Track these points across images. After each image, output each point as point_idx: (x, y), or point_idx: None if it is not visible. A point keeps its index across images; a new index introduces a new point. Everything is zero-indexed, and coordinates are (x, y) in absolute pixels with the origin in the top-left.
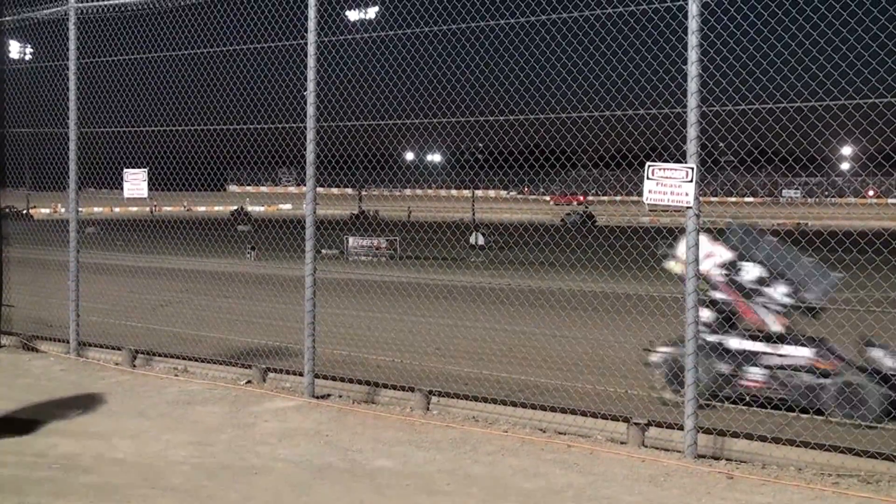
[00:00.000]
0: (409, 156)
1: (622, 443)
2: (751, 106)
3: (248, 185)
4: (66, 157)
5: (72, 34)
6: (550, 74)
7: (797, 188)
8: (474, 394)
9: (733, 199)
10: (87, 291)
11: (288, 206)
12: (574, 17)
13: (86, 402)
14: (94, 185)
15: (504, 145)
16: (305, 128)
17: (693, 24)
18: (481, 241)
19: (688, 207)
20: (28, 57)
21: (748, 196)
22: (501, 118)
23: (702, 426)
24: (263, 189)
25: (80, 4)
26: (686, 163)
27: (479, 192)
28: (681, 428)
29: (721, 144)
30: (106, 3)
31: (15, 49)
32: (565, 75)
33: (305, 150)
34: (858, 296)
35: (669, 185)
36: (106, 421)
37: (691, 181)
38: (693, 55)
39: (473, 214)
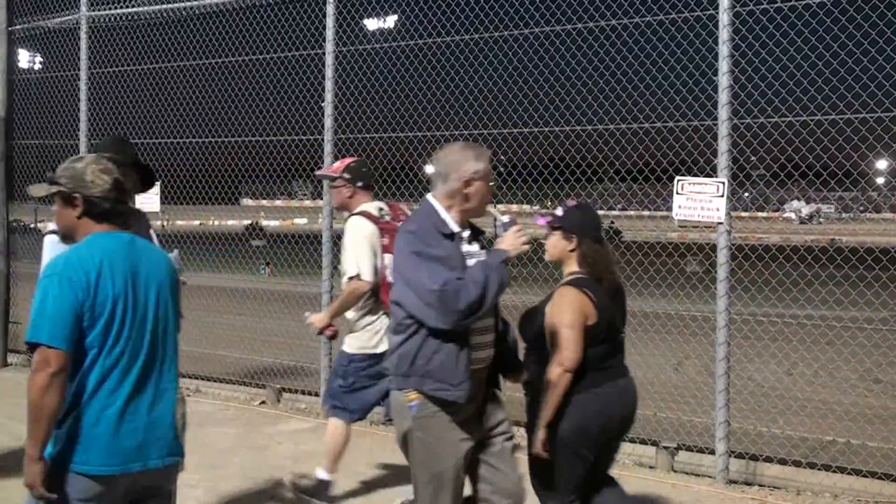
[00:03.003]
0: (429, 169)
1: (651, 467)
2: (784, 118)
3: (263, 198)
4: None
5: (83, 43)
6: (576, 85)
7: (831, 203)
8: None
9: (764, 215)
10: None
11: (303, 221)
12: (601, 26)
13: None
14: None
15: (528, 158)
16: (322, 140)
17: (724, 33)
18: None
19: (719, 223)
20: (38, 66)
21: (780, 211)
22: (525, 130)
23: (733, 450)
24: (278, 202)
25: (92, 13)
26: (717, 177)
27: (500, 207)
28: (712, 452)
29: (753, 158)
30: (118, 11)
31: (24, 58)
32: (591, 86)
33: (322, 162)
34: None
35: (700, 201)
36: None
37: (722, 196)
38: (724, 66)
39: (495, 229)
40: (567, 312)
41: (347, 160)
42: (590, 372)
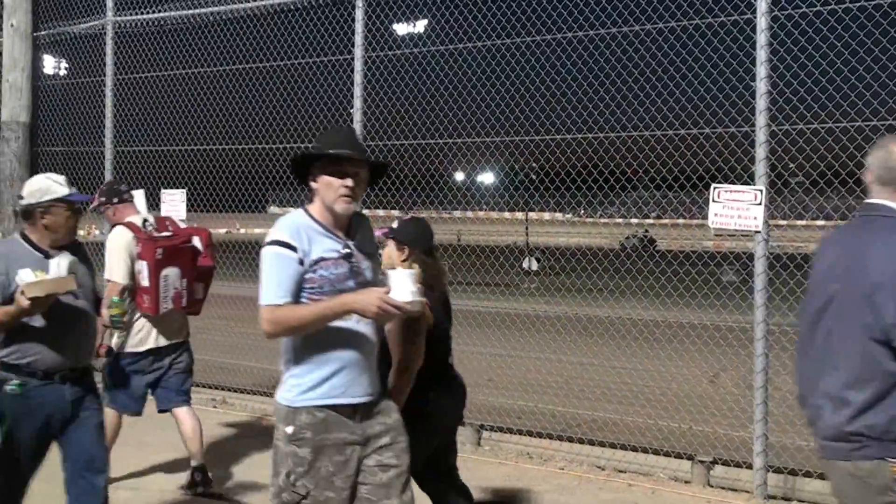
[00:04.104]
0: (460, 176)
1: (686, 482)
2: (823, 124)
3: (290, 206)
4: (102, 177)
5: (109, 49)
6: (610, 91)
7: None
8: (528, 428)
9: (803, 223)
10: None
11: None
12: (636, 31)
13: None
14: None
15: (560, 166)
16: None
17: (762, 38)
18: (535, 265)
19: (756, 232)
20: (63, 72)
21: (819, 219)
22: (558, 137)
23: (772, 465)
24: None
25: (118, 18)
26: (754, 185)
27: (533, 215)
28: (749, 467)
29: (791, 165)
30: (144, 16)
31: (50, 64)
32: (626, 92)
33: None
34: None
35: (737, 209)
36: (139, 455)
37: (760, 204)
38: (762, 71)
39: (527, 238)
40: None
41: (103, 186)
42: (437, 371)
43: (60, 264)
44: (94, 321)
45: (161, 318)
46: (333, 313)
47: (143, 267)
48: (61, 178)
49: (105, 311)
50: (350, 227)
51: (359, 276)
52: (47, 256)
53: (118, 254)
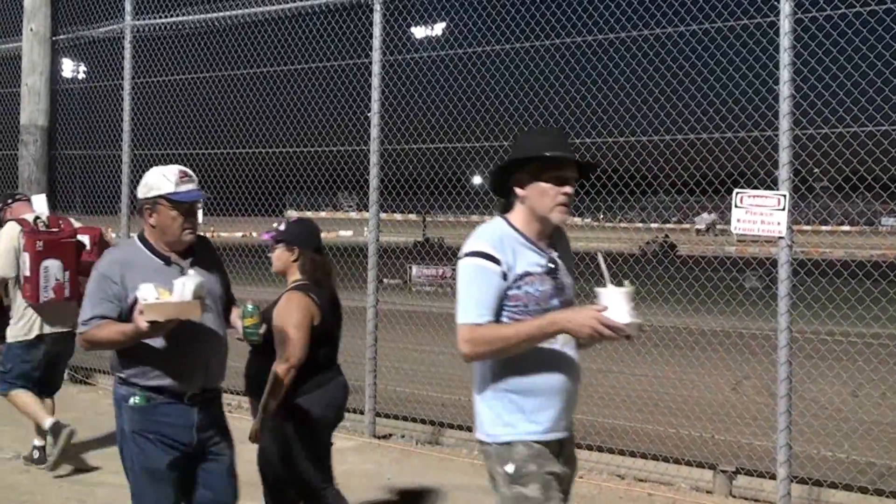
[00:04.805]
0: (477, 180)
1: (708, 492)
2: (848, 129)
3: (307, 209)
4: (119, 181)
5: (127, 52)
6: (631, 95)
7: None
8: None
9: (828, 228)
10: None
11: (348, 233)
12: (656, 34)
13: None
14: None
15: None
16: (369, 150)
17: (785, 41)
18: None
19: (780, 237)
20: (81, 76)
21: (844, 225)
22: (577, 141)
23: (795, 475)
24: (322, 214)
25: (137, 22)
26: (778, 189)
27: None
28: (773, 477)
29: (816, 170)
30: (163, 20)
31: (68, 68)
32: (646, 96)
33: (368, 173)
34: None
35: (760, 214)
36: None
37: (783, 209)
38: (785, 74)
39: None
40: (294, 314)
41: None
42: (320, 369)
43: (186, 286)
44: (223, 338)
45: (45, 308)
46: (543, 333)
47: (25, 258)
48: (173, 172)
49: (238, 322)
50: (551, 238)
51: (563, 294)
52: (167, 263)
53: (3, 246)
